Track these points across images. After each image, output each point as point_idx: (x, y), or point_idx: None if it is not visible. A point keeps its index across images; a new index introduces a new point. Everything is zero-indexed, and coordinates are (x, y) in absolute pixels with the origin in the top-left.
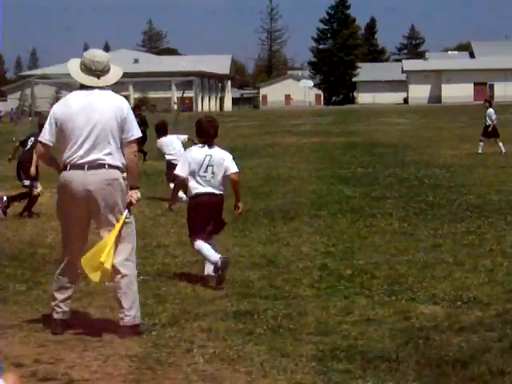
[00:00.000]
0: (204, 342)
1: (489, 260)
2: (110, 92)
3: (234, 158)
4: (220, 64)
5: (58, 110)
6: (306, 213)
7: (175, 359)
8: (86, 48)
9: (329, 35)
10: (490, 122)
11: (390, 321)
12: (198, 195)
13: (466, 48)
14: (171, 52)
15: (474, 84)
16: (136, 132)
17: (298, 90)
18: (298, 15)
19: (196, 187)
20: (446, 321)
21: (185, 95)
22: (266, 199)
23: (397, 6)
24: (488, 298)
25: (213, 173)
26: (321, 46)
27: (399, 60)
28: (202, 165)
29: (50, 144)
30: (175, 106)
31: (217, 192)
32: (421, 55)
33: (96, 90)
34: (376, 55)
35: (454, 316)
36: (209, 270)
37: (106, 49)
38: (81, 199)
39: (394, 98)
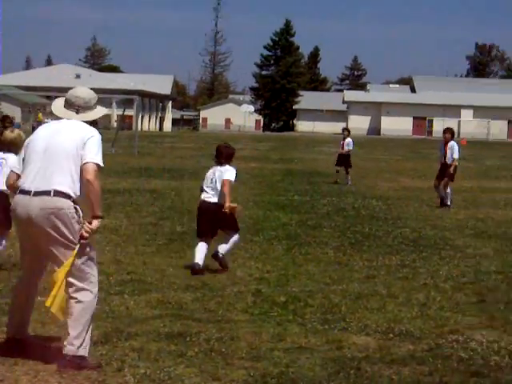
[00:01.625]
0: (135, 361)
1: (422, 294)
2: (80, 122)
3: (172, 179)
4: (162, 84)
5: (29, 138)
6: (242, 238)
7: (105, 378)
8: (28, 60)
9: (272, 61)
10: (346, 150)
11: (322, 349)
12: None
13: (407, 82)
14: (113, 69)
15: (414, 118)
16: (91, 157)
17: (239, 115)
18: (242, 40)
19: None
20: (377, 352)
21: (125, 113)
22: None
23: (341, 36)
24: (420, 331)
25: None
26: (263, 72)
27: (341, 90)
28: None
29: (18, 172)
30: (115, 124)
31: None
32: (362, 86)
33: (65, 120)
34: (318, 84)
35: (386, 348)
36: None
37: (48, 62)
38: (25, 226)
39: (333, 127)
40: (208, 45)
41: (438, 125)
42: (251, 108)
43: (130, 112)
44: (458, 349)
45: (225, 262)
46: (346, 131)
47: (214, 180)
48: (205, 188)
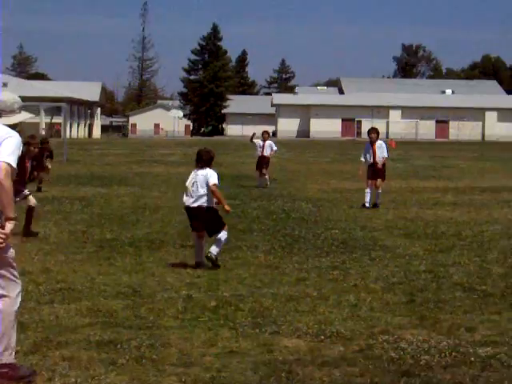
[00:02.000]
0: (66, 370)
1: (352, 295)
2: (1, 125)
3: (101, 186)
4: (90, 91)
5: None
6: (172, 243)
7: None
8: None
9: (200, 66)
10: (267, 154)
11: (253, 353)
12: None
13: (335, 84)
14: (41, 77)
15: (342, 120)
16: (3, 156)
17: (168, 120)
18: (169, 45)
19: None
20: (308, 355)
21: (53, 121)
22: (133, 228)
23: (268, 40)
24: (351, 332)
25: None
26: (192, 77)
27: (269, 93)
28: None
29: None
30: (43, 132)
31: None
32: (290, 89)
33: None
34: (246, 88)
35: (317, 350)
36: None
37: None
38: None
39: (262, 130)
40: (135, 51)
41: (367, 126)
42: (180, 113)
43: (58, 119)
44: (388, 349)
45: (217, 262)
46: (266, 134)
47: (196, 184)
48: (189, 192)
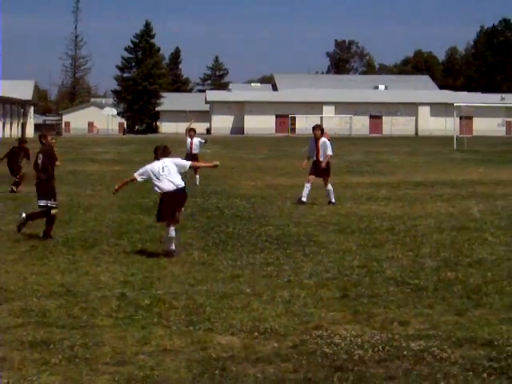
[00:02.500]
0: None
1: (286, 291)
2: None
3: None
4: (22, 89)
5: None
6: (106, 241)
7: None
8: None
9: (133, 64)
10: (196, 151)
11: (187, 351)
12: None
13: (268, 80)
14: None
15: (276, 116)
16: None
17: (102, 118)
18: (102, 43)
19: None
20: (242, 351)
21: None
22: (66, 227)
23: (201, 36)
24: (285, 329)
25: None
26: (125, 75)
27: (203, 91)
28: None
29: None
30: None
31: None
32: (224, 86)
33: None
34: (180, 85)
35: (251, 347)
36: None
37: None
38: None
39: (197, 127)
40: (68, 48)
41: (301, 122)
42: (114, 111)
43: None
44: (322, 344)
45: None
46: (192, 131)
47: (166, 169)
48: (163, 179)
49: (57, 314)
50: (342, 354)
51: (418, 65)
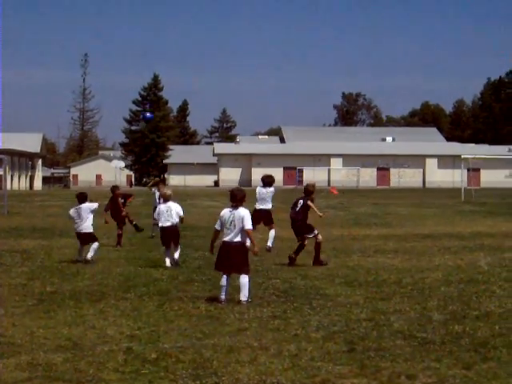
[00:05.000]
0: None
1: (293, 345)
2: None
3: (42, 238)
4: (31, 142)
5: None
6: (113, 295)
7: None
8: None
9: (141, 117)
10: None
11: None
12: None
13: (276, 133)
14: None
15: (284, 168)
16: None
17: (110, 171)
18: (110, 95)
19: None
20: None
21: None
22: (73, 280)
23: (209, 89)
24: (291, 383)
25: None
26: (133, 127)
27: (211, 143)
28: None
29: None
30: None
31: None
32: (232, 138)
33: None
34: (188, 137)
35: None
36: None
37: None
38: None
39: (205, 180)
40: (76, 101)
41: (309, 174)
42: (122, 164)
43: None
44: None
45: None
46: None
47: (232, 223)
48: (225, 230)
49: (63, 368)
50: None
51: (425, 117)
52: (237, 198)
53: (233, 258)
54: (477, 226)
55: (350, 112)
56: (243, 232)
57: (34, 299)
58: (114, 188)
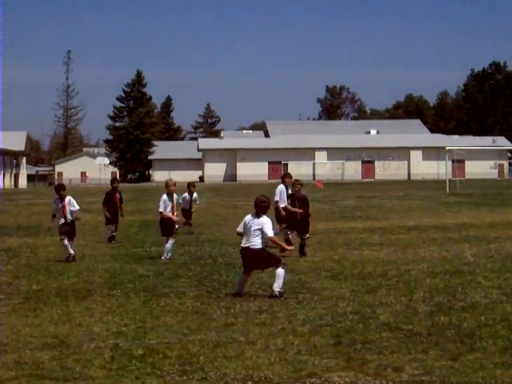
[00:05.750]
0: None
1: (280, 339)
2: None
3: (27, 236)
4: (15, 140)
5: None
6: (99, 292)
7: None
8: None
9: (125, 113)
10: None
11: None
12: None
13: (260, 127)
14: None
15: (269, 163)
16: None
17: (94, 167)
18: (94, 93)
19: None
20: None
21: None
22: (59, 278)
23: (192, 85)
24: (279, 377)
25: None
26: (117, 124)
27: (195, 138)
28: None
29: None
30: None
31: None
32: (216, 134)
33: None
34: (172, 133)
35: None
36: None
37: None
38: None
39: (190, 175)
40: (60, 99)
41: (294, 168)
42: (106, 160)
43: None
44: None
45: (283, 294)
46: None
47: (251, 228)
48: (245, 236)
49: (50, 366)
50: None
51: (409, 109)
52: (258, 206)
53: (257, 262)
54: (462, 217)
55: (334, 105)
56: (262, 239)
57: (20, 297)
58: (113, 180)
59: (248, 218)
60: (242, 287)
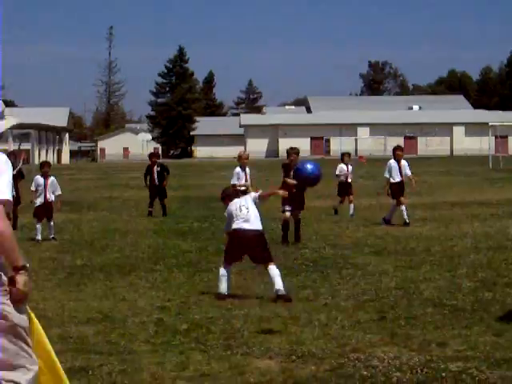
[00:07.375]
0: None
1: (323, 314)
2: None
3: (71, 212)
4: (57, 116)
5: None
6: (143, 267)
7: None
8: None
9: (167, 89)
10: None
11: (224, 376)
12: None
13: (302, 103)
14: (8, 104)
15: (311, 138)
16: None
17: (136, 144)
18: (136, 68)
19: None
20: (280, 375)
21: (22, 148)
22: (103, 253)
23: (235, 60)
24: (322, 352)
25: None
26: (159, 100)
27: (237, 114)
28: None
29: None
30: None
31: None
32: (258, 109)
33: None
34: (214, 109)
35: (288, 370)
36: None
37: None
38: None
39: (232, 151)
40: (102, 75)
41: (335, 144)
42: (148, 136)
43: (26, 146)
44: (360, 367)
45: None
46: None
47: (244, 207)
48: (235, 219)
49: (95, 341)
50: (380, 377)
51: (452, 84)
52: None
53: (254, 249)
54: (505, 193)
55: (377, 81)
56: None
57: (65, 272)
58: (151, 155)
59: (233, 202)
60: (227, 285)
